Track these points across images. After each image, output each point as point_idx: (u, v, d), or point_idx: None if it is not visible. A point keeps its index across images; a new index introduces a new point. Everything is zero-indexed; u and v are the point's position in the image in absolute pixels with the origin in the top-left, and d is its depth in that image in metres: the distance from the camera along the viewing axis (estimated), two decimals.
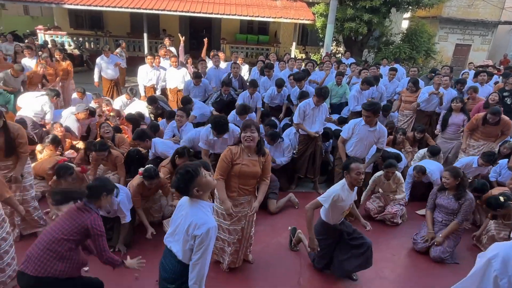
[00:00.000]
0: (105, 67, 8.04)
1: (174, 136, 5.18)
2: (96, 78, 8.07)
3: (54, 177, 3.93)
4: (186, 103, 5.78)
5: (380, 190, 4.60)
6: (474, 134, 5.41)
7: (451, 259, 3.73)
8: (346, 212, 3.10)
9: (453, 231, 3.69)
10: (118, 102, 6.73)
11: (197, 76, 6.56)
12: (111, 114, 5.95)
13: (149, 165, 3.73)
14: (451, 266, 3.65)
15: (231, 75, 6.94)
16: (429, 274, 3.53)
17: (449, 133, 5.90)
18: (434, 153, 5.18)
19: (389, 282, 3.37)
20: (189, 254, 2.02)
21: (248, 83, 6.28)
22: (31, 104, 5.49)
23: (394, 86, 7.55)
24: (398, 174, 4.43)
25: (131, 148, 4.90)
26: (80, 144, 5.51)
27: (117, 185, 3.57)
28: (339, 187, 2.97)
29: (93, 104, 6.27)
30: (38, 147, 4.91)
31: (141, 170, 3.69)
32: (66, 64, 7.77)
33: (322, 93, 4.62)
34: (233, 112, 5.44)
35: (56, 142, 4.81)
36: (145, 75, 7.26)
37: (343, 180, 3.00)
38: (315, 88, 5.03)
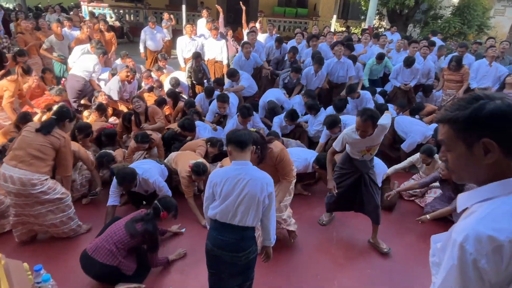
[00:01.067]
0: (149, 39, 8.17)
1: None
2: (141, 49, 8.28)
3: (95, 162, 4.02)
4: (231, 75, 5.72)
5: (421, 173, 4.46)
6: None
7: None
8: (366, 152, 3.17)
9: (444, 215, 3.59)
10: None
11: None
12: (154, 85, 6.10)
13: (199, 161, 3.61)
14: None
15: (286, 57, 6.70)
16: None
17: None
18: None
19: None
20: (260, 215, 2.15)
21: (314, 59, 6.08)
22: (82, 62, 5.73)
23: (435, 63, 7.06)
24: (440, 162, 4.22)
25: (167, 129, 4.99)
26: (123, 108, 5.70)
27: (150, 162, 3.80)
28: (349, 130, 3.12)
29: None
30: (85, 113, 5.20)
31: (191, 163, 3.59)
32: (110, 35, 8.01)
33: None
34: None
35: (102, 110, 5.05)
36: (184, 46, 7.33)
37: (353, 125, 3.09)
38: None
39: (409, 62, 6.15)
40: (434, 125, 5.10)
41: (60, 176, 3.29)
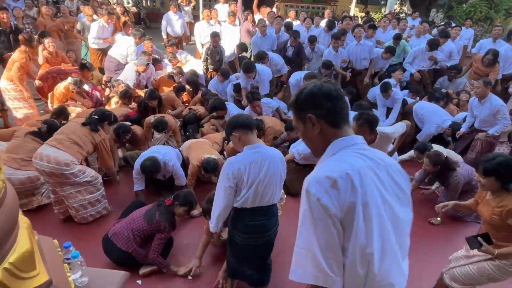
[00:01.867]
0: (170, 24, 8.15)
1: None
2: (164, 34, 8.24)
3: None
4: (260, 58, 5.60)
5: None
6: None
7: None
8: None
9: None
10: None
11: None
12: (173, 71, 6.13)
13: (212, 158, 3.59)
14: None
15: (288, 43, 6.44)
16: None
17: None
18: None
19: None
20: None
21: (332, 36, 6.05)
22: (118, 45, 6.15)
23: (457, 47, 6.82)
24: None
25: (188, 113, 5.05)
26: (141, 93, 5.76)
27: (170, 148, 3.91)
28: None
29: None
30: (115, 99, 5.31)
31: (204, 157, 3.58)
32: (125, 18, 8.02)
33: None
34: None
35: (128, 97, 5.14)
36: (202, 32, 7.28)
37: None
38: None
39: (433, 44, 5.97)
40: (452, 116, 4.98)
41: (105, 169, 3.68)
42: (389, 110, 5.43)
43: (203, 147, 3.92)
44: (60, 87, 4.97)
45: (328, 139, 1.22)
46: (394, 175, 1.22)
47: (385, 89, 5.12)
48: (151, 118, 4.42)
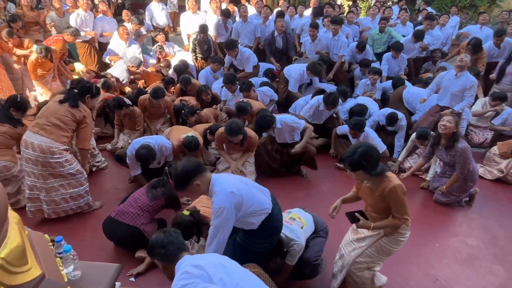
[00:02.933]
0: (154, 15, 7.88)
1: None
2: (150, 27, 7.98)
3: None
4: (229, 47, 5.53)
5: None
6: None
7: (457, 202, 3.80)
8: None
9: (454, 182, 3.60)
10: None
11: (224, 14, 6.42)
12: (161, 64, 6.04)
13: (191, 135, 3.71)
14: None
15: (276, 33, 6.33)
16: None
17: (505, 83, 5.50)
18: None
19: None
20: None
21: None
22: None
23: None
24: None
25: (180, 102, 4.99)
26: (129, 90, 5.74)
27: (159, 136, 3.96)
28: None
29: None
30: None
31: (183, 137, 3.68)
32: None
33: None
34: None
35: (106, 87, 5.05)
36: (188, 22, 7.15)
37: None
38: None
39: (419, 35, 6.04)
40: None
41: (78, 149, 3.34)
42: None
43: (183, 130, 4.01)
44: (31, 58, 4.90)
45: (172, 271, 1.66)
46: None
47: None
48: (146, 97, 4.58)
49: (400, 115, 4.55)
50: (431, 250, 3.17)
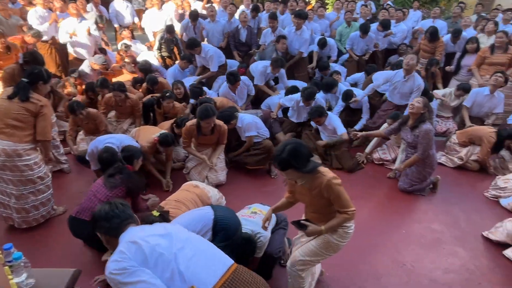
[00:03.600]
0: (119, 12, 7.62)
1: None
2: (115, 24, 7.74)
3: (71, 116, 4.11)
4: (190, 46, 5.42)
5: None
6: (482, 69, 5.30)
7: (419, 191, 3.89)
8: None
9: (413, 163, 3.71)
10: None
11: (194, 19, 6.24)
12: (126, 60, 5.85)
13: (163, 133, 3.67)
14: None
15: (240, 26, 6.27)
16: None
17: (462, 75, 5.80)
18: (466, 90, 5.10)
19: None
20: None
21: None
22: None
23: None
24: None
25: (149, 97, 4.83)
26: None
27: (123, 136, 3.83)
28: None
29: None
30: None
31: (155, 136, 3.64)
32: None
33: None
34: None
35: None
36: (153, 19, 6.99)
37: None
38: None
39: (386, 25, 6.22)
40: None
41: (40, 143, 3.06)
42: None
43: (151, 130, 3.91)
44: None
45: (116, 244, 1.59)
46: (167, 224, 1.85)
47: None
48: (111, 96, 4.43)
49: (358, 92, 4.84)
50: (398, 237, 3.26)
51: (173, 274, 1.47)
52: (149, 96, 4.82)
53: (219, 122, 3.77)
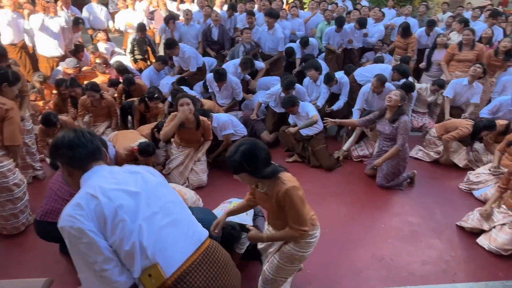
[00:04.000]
0: (94, 15, 7.40)
1: None
2: (89, 26, 7.50)
3: (41, 126, 3.90)
4: (168, 46, 5.35)
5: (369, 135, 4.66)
6: (451, 65, 5.48)
7: (397, 186, 3.98)
8: None
9: (393, 155, 3.73)
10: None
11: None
12: (97, 61, 5.72)
13: (143, 142, 3.55)
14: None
15: (212, 24, 6.24)
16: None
17: (433, 70, 5.99)
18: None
19: None
20: None
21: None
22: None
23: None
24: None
25: (126, 101, 4.76)
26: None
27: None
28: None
29: None
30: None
31: (135, 145, 3.52)
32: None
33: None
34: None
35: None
36: (128, 20, 6.87)
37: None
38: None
39: (362, 23, 6.35)
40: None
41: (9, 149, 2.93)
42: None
43: (129, 136, 3.81)
44: None
45: (78, 178, 1.39)
46: (138, 170, 1.47)
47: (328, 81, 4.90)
48: (86, 98, 4.34)
49: (340, 75, 4.99)
50: (377, 231, 3.32)
51: (133, 248, 1.25)
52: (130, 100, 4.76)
53: (203, 117, 3.76)
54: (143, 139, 3.69)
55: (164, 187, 1.50)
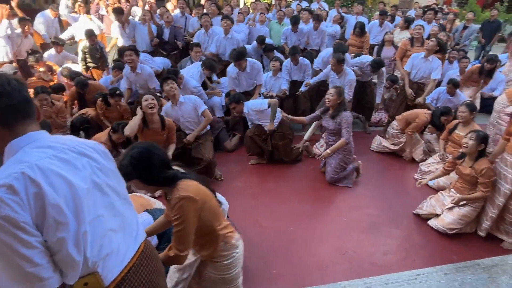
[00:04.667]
0: (47, 24, 7.05)
1: None
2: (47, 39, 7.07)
3: None
4: (121, 54, 5.06)
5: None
6: (404, 61, 5.70)
7: (345, 183, 4.05)
8: None
9: (340, 146, 3.84)
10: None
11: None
12: (41, 69, 5.39)
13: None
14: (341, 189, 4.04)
15: (163, 25, 6.19)
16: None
17: (385, 66, 6.24)
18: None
19: None
20: None
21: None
22: None
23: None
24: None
25: (77, 115, 4.49)
26: None
27: None
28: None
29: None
30: None
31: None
32: None
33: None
34: None
35: None
36: (83, 27, 6.52)
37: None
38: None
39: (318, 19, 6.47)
40: None
41: None
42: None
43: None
44: None
45: (3, 142, 1.08)
46: (89, 153, 1.20)
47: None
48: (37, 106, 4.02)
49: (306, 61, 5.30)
50: (340, 226, 3.39)
51: (72, 257, 1.06)
52: (82, 111, 4.52)
53: (167, 118, 3.71)
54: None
55: (113, 177, 1.27)
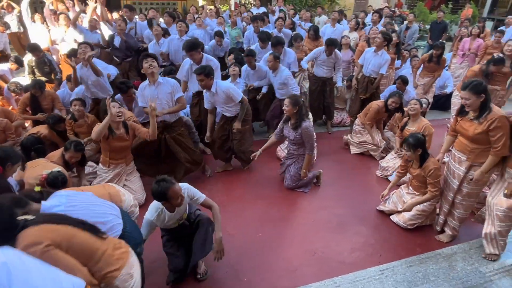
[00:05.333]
0: None
1: None
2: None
3: None
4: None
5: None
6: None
7: (302, 189, 4.05)
8: None
9: (308, 162, 3.87)
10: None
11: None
12: None
13: (54, 172, 3.09)
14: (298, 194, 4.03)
15: (115, 33, 5.93)
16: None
17: (343, 67, 6.40)
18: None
19: None
20: None
21: None
22: None
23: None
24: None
25: (28, 135, 4.19)
26: None
27: None
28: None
29: None
30: None
31: (45, 173, 3.07)
32: None
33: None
34: None
35: None
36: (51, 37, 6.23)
37: None
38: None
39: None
40: None
41: None
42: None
43: (39, 163, 3.35)
44: None
45: None
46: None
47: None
48: None
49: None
50: (308, 227, 3.42)
51: None
52: (33, 130, 4.21)
53: (128, 120, 3.65)
54: (57, 168, 3.26)
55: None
